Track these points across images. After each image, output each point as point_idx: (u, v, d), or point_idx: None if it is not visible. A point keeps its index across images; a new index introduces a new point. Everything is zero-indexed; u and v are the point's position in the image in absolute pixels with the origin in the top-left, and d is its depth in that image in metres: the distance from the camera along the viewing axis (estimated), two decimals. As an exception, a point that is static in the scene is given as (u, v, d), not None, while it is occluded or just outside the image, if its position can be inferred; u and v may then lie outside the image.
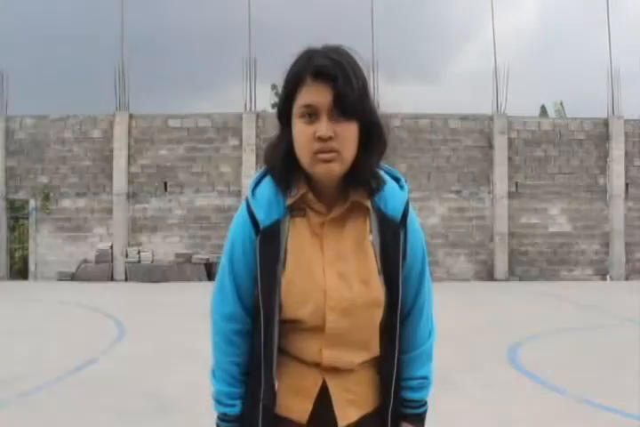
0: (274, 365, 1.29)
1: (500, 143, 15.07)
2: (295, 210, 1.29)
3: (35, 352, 6.22)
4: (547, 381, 5.05)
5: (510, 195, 15.11)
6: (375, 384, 1.36)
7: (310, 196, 1.28)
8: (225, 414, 1.36)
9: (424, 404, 1.45)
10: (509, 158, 15.13)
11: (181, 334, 7.20)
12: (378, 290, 1.28)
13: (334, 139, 1.19)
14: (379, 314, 1.30)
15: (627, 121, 15.39)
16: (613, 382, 5.01)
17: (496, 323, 8.34)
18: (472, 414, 4.19)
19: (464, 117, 15.32)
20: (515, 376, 5.27)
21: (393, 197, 1.32)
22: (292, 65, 1.25)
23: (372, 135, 1.25)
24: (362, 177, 1.26)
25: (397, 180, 1.36)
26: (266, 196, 1.29)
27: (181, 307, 10.01)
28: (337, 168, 1.22)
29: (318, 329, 1.27)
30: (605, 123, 15.38)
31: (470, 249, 15.09)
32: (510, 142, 15.19)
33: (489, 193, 15.15)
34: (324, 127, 1.19)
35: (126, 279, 14.52)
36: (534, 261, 15.18)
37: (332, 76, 1.18)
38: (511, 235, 15.03)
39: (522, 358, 5.96)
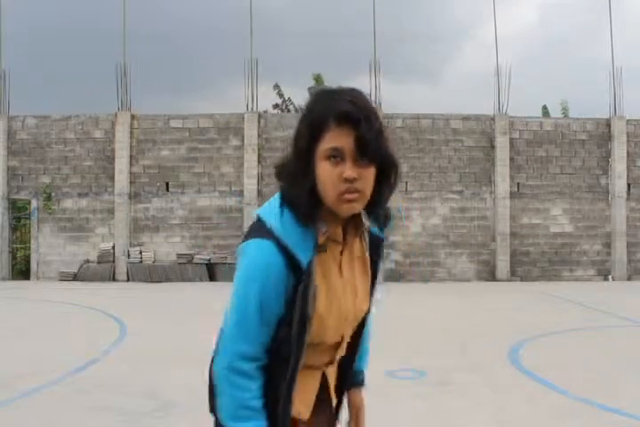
0: (293, 395, 1.35)
1: (502, 143, 15.06)
2: (320, 245, 1.34)
3: (36, 352, 6.23)
4: (548, 381, 5.04)
5: (512, 195, 15.10)
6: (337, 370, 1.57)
7: (338, 230, 1.37)
8: None
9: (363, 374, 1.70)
10: (511, 158, 15.11)
11: (182, 335, 7.21)
12: (370, 302, 1.49)
13: (357, 180, 1.26)
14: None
15: (629, 121, 15.37)
16: (615, 383, 5.01)
17: (497, 323, 8.34)
18: (472, 415, 4.19)
19: (466, 118, 15.31)
20: (516, 377, 5.26)
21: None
22: (312, 107, 1.30)
23: (389, 176, 1.33)
24: (375, 211, 1.38)
25: None
26: (300, 235, 1.29)
27: (183, 307, 10.02)
28: (359, 207, 1.31)
29: (336, 344, 1.44)
30: (607, 123, 15.36)
31: (472, 249, 15.07)
32: (512, 142, 15.17)
33: (491, 193, 15.14)
34: (350, 169, 1.25)
35: (128, 279, 14.54)
36: (536, 262, 15.16)
37: (355, 121, 1.23)
38: (513, 235, 15.02)
39: (523, 358, 5.95)
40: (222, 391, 1.33)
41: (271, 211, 1.33)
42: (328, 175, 1.26)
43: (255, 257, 1.28)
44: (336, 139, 1.24)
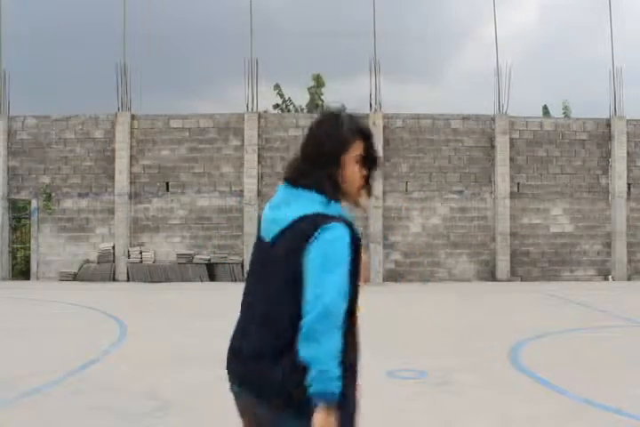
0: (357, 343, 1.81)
1: (502, 143, 15.05)
2: None
3: (36, 352, 6.23)
4: (548, 381, 5.05)
5: (512, 195, 15.09)
6: None
7: None
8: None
9: None
10: (511, 158, 15.11)
11: (182, 335, 7.21)
12: None
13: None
14: None
15: (629, 121, 15.36)
16: (615, 383, 5.01)
17: (498, 323, 8.34)
18: (472, 415, 4.19)
19: (466, 118, 15.31)
20: (516, 377, 5.27)
21: None
22: (343, 124, 1.80)
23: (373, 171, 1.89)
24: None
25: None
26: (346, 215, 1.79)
27: (183, 307, 10.03)
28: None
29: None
30: (608, 123, 15.36)
31: (472, 249, 15.07)
32: (512, 142, 15.17)
33: (491, 193, 15.13)
34: (365, 171, 1.84)
35: (128, 279, 14.54)
36: (536, 262, 15.16)
37: (369, 136, 1.84)
38: (513, 235, 15.02)
39: (523, 358, 5.96)
40: (327, 339, 1.59)
41: (321, 204, 1.73)
42: (356, 174, 1.82)
43: (343, 235, 1.69)
44: (359, 148, 1.81)
